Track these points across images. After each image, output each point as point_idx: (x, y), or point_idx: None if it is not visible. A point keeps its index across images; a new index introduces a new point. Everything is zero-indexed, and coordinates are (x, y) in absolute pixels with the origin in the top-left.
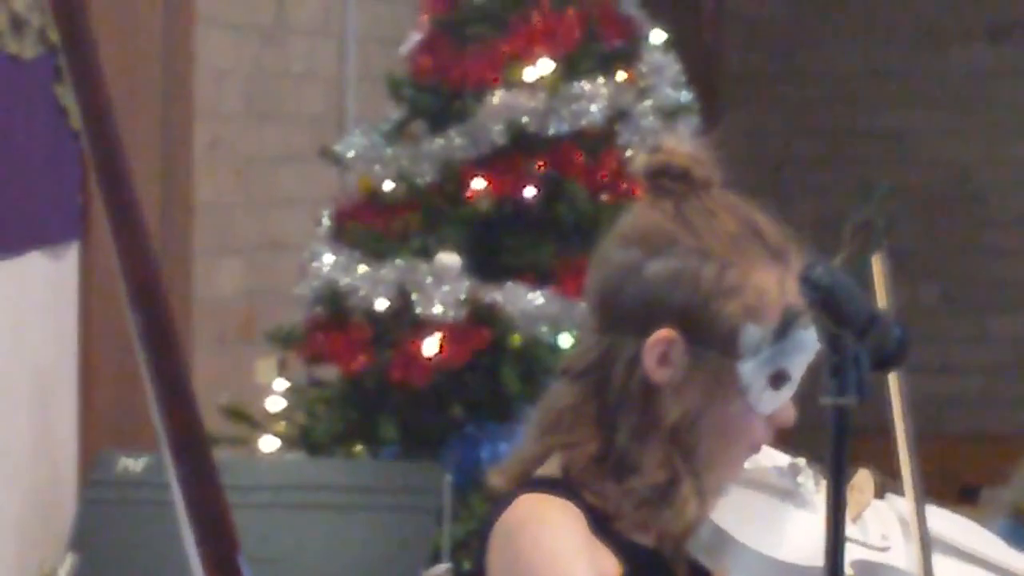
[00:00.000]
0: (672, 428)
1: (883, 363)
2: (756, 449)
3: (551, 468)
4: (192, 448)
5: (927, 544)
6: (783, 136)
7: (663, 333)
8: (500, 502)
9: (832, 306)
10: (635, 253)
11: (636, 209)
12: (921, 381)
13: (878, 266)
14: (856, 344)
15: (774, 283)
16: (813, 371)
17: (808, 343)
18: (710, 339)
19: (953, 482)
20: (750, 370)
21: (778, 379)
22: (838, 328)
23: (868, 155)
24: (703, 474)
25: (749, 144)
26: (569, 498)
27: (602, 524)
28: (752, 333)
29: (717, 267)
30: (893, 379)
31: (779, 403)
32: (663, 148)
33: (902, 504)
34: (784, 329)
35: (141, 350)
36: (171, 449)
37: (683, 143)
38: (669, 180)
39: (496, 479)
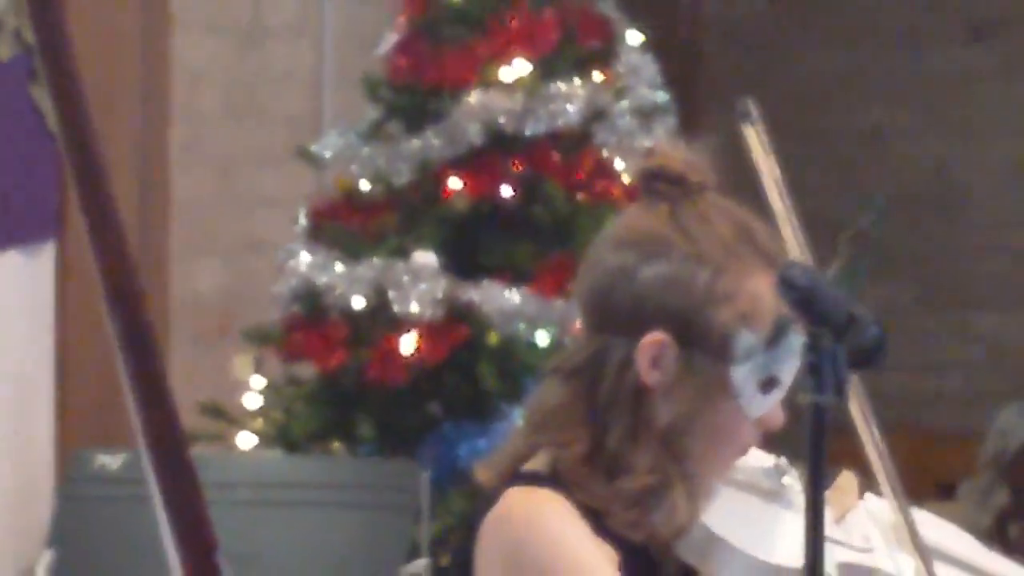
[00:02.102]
0: (663, 431)
1: (861, 362)
2: (744, 451)
3: (538, 464)
4: (169, 447)
5: (917, 537)
6: None
7: (656, 336)
8: (487, 497)
9: (810, 306)
10: (629, 256)
11: (630, 212)
12: (901, 379)
13: (753, 137)
14: (834, 343)
15: (767, 289)
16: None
17: (799, 349)
18: (703, 344)
19: (932, 479)
20: (742, 375)
21: (769, 384)
22: (816, 327)
23: (848, 155)
24: (693, 476)
25: (728, 145)
26: (559, 492)
27: (592, 519)
28: (745, 339)
29: (711, 272)
30: (855, 381)
31: (768, 407)
32: (657, 151)
33: (876, 503)
34: (777, 335)
35: (119, 350)
36: (149, 448)
37: (677, 147)
38: (664, 184)
39: (482, 474)
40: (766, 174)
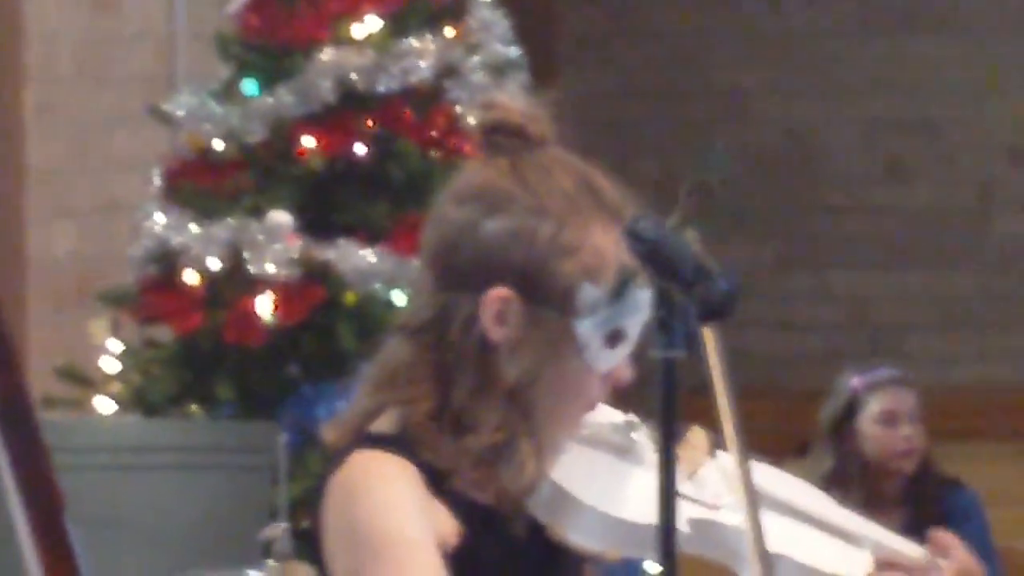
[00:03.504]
0: (509, 387)
1: (710, 316)
2: (592, 407)
3: (386, 424)
4: (15, 411)
5: (753, 497)
6: (618, 96)
7: (500, 292)
8: (334, 458)
9: (658, 259)
10: (471, 211)
11: (471, 167)
12: (761, 338)
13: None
14: (683, 297)
15: (611, 242)
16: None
17: (645, 302)
18: (547, 298)
19: (793, 438)
20: (587, 329)
21: (615, 338)
22: (665, 281)
23: (704, 115)
24: (541, 432)
25: (583, 104)
26: (404, 455)
27: (438, 482)
28: (589, 292)
29: (554, 225)
30: (709, 334)
31: (616, 361)
32: (497, 104)
33: (728, 460)
34: (621, 288)
35: None
36: None
37: (517, 99)
38: (504, 137)
39: (330, 434)
40: None
